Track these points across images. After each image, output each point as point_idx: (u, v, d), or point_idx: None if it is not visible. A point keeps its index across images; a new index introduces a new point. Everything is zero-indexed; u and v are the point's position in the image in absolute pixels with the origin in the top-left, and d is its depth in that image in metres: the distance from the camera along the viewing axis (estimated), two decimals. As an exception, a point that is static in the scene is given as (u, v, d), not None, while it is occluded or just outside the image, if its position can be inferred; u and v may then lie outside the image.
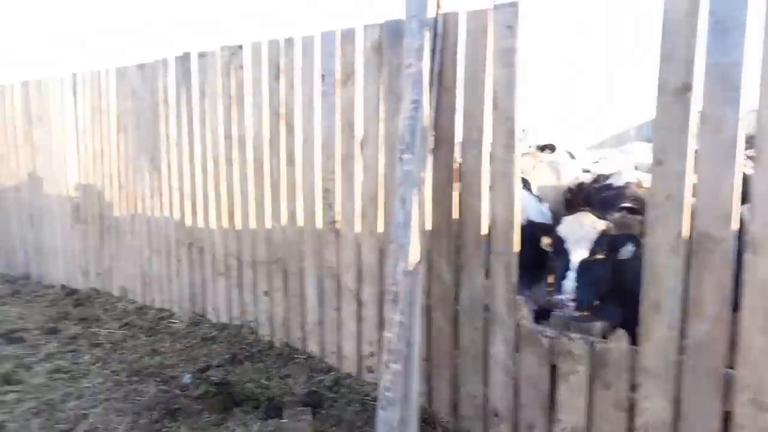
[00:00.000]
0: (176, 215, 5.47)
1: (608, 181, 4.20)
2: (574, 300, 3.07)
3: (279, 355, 4.50)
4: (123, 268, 6.35)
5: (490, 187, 3.17)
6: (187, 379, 4.20)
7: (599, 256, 3.20)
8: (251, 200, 4.66)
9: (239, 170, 4.73)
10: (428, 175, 3.38)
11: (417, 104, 3.23)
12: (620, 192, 3.90)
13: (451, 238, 3.39)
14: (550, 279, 4.14)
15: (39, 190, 7.34)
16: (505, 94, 3.03)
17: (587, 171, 5.32)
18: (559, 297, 3.10)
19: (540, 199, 4.84)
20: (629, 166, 5.16)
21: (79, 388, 4.27)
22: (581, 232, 3.21)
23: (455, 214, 3.36)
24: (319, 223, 4.14)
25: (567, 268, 3.18)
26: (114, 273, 6.48)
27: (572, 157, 6.67)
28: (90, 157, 6.53)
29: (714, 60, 2.41)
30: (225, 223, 4.95)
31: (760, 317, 2.39)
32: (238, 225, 4.82)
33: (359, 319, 3.97)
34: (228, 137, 4.78)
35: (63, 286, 7.05)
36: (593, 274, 3.18)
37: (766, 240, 2.35)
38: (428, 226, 3.46)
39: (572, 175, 5.33)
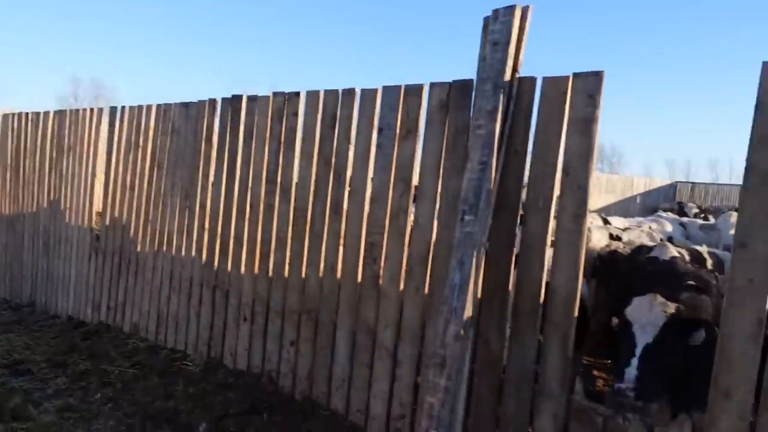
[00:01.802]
0: (204, 256, 5.38)
1: (653, 254, 4.14)
2: (634, 390, 2.88)
3: (300, 409, 4.32)
4: (137, 303, 6.20)
5: (554, 256, 3.11)
6: (203, 428, 4.02)
7: (668, 343, 3.03)
8: (288, 247, 4.59)
9: (279, 216, 4.67)
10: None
11: (485, 166, 3.22)
12: (671, 267, 3.82)
13: (504, 304, 3.30)
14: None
15: (59, 217, 7.26)
16: (580, 162, 3.01)
17: (617, 238, 5.28)
18: (620, 385, 2.91)
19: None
20: (664, 237, 5.11)
21: (91, 430, 4.08)
22: (650, 316, 3.08)
23: (511, 281, 3.28)
24: (360, 276, 4.06)
25: (632, 355, 3.02)
26: (127, 308, 6.33)
27: (606, 222, 6.63)
28: (118, 190, 6.48)
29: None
30: (256, 269, 4.85)
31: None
32: (271, 272, 4.73)
33: (393, 379, 3.83)
34: (271, 182, 4.74)
35: (70, 318, 6.88)
36: (659, 363, 3.00)
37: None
38: (480, 288, 3.38)
39: (601, 241, 5.29)
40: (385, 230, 3.91)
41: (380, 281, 3.93)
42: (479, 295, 3.35)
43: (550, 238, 3.15)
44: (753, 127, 2.55)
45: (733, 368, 2.54)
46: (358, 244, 4.07)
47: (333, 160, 4.29)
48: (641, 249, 4.34)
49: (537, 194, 3.18)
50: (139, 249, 6.23)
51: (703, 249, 4.58)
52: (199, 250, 5.45)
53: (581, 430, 2.97)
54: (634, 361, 2.98)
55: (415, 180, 3.80)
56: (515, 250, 3.29)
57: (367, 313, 4.01)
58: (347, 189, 4.18)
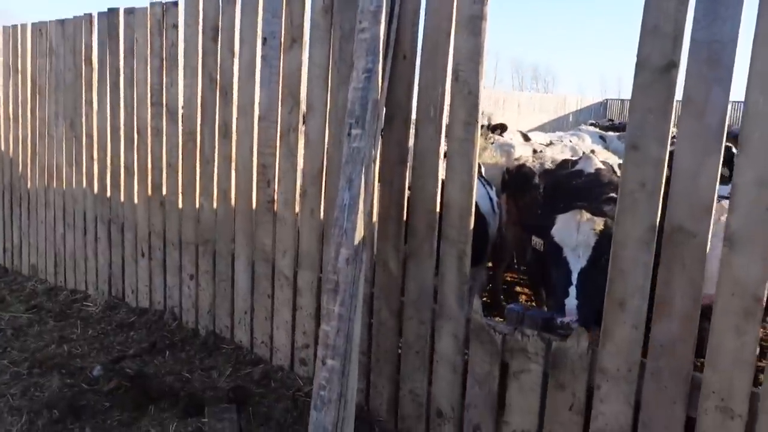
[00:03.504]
0: (96, 189, 4.97)
1: (578, 167, 4.00)
2: (577, 321, 2.64)
3: (204, 344, 4.11)
4: (33, 243, 5.78)
5: (446, 169, 2.90)
6: (97, 371, 3.76)
7: (600, 262, 2.74)
8: (179, 175, 4.24)
9: (167, 141, 4.29)
10: (378, 154, 3.08)
11: (370, 73, 2.92)
12: (596, 179, 3.67)
13: (400, 224, 3.10)
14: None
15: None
16: (469, 65, 2.76)
17: (540, 153, 5.15)
18: (562, 319, 2.66)
19: (488, 183, 4.63)
20: (587, 150, 5.01)
21: (-33, 381, 3.77)
22: (581, 236, 2.84)
23: (406, 197, 3.07)
24: (255, 202, 3.78)
25: (568, 282, 2.78)
26: (24, 249, 5.90)
27: (526, 139, 6.53)
28: (1, 120, 5.91)
29: (703, 36, 2.21)
30: (149, 200, 4.50)
31: (732, 318, 2.21)
32: (164, 202, 4.39)
33: (294, 308, 3.64)
34: (157, 103, 4.33)
35: (-35, 263, 6.41)
36: (594, 286, 2.67)
37: (745, 235, 2.16)
38: (376, 209, 3.16)
39: (525, 157, 5.15)
40: (277, 150, 3.61)
41: (275, 205, 3.66)
42: (374, 216, 3.13)
43: (442, 150, 2.92)
44: (643, 19, 2.33)
45: (627, 277, 2.42)
46: (250, 168, 3.76)
47: (218, 76, 3.90)
48: (566, 163, 4.19)
49: (428, 102, 2.92)
50: (29, 185, 5.76)
51: (614, 159, 4.48)
52: (90, 183, 5.03)
53: (481, 349, 2.85)
54: (572, 290, 2.75)
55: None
56: (409, 165, 3.07)
57: (264, 241, 3.76)
58: (235, 107, 3.83)
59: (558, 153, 5.27)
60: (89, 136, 4.95)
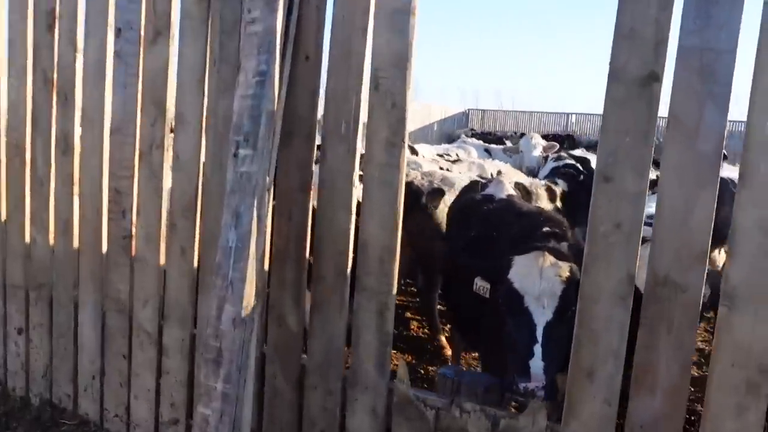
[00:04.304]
0: None
1: (489, 191, 3.55)
2: (544, 387, 2.16)
3: (37, 419, 3.18)
4: None
5: (363, 199, 2.29)
6: None
7: (565, 314, 2.29)
8: (2, 199, 3.30)
9: (-13, 157, 3.34)
10: (272, 179, 2.43)
11: (263, 77, 2.26)
12: (523, 210, 3.21)
13: (301, 267, 2.45)
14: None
15: None
16: (392, 71, 2.18)
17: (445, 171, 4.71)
18: (526, 385, 2.16)
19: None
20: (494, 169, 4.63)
21: None
22: (545, 283, 2.32)
23: (309, 233, 2.43)
24: (106, 236, 2.95)
25: (532, 339, 2.27)
26: None
27: (414, 152, 6.10)
28: None
29: (692, 42, 1.78)
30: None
31: (731, 394, 1.79)
32: (-18, 233, 3.41)
33: (159, 372, 2.85)
34: (-29, 109, 3.36)
35: None
36: (560, 341, 2.24)
37: (748, 290, 1.75)
38: (268, 248, 2.50)
39: (411, 175, 4.68)
40: (135, 172, 2.82)
41: (133, 242, 2.86)
42: (267, 260, 2.46)
43: (357, 175, 2.32)
44: (617, 20, 1.88)
45: (598, 339, 1.94)
46: (99, 193, 2.93)
47: (55, 75, 3.03)
48: (474, 186, 3.73)
49: (337, 116, 2.31)
50: None
51: (527, 180, 4.11)
52: None
53: (408, 428, 2.26)
54: (537, 349, 2.24)
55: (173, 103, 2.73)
56: (313, 193, 2.43)
57: (119, 286, 2.93)
58: (77, 116, 2.98)
59: (465, 170, 4.84)
60: None
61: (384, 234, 2.25)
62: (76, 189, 3.02)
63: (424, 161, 4.73)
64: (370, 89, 2.24)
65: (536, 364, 2.20)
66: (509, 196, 3.56)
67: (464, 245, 3.29)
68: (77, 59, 2.95)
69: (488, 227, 3.20)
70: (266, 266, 2.47)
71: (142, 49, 2.75)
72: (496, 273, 2.47)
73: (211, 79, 2.57)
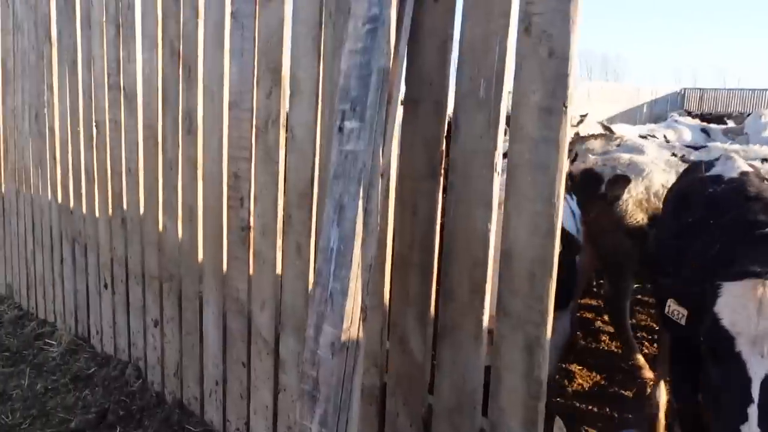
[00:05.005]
0: (60, 197, 3.93)
1: (715, 171, 2.68)
2: None
3: (166, 420, 2.97)
4: (8, 259, 4.83)
5: (507, 189, 1.63)
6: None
7: None
8: (140, 183, 3.12)
9: (126, 137, 3.18)
10: (394, 162, 1.86)
11: (375, 24, 1.69)
12: (743, 189, 2.35)
13: (428, 277, 1.86)
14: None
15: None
16: (554, 16, 1.48)
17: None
18: None
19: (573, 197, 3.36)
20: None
21: None
22: (764, 323, 1.59)
23: (437, 235, 1.83)
24: (225, 227, 2.60)
25: (746, 397, 1.59)
26: (-1, 265, 4.97)
27: (609, 130, 5.30)
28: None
29: None
30: (110, 214, 3.40)
31: None
32: (126, 219, 3.27)
33: (276, 387, 2.44)
34: (114, 86, 3.22)
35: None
36: None
37: None
38: (389, 252, 1.94)
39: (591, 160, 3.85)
40: (252, 153, 2.41)
41: (251, 235, 2.47)
42: (388, 265, 1.91)
43: (500, 156, 1.66)
44: None
45: None
46: (220, 177, 2.58)
47: (180, 45, 2.74)
48: (698, 165, 2.88)
49: (475, 73, 1.66)
50: (3, 189, 4.80)
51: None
52: (54, 190, 3.99)
53: None
54: (752, 411, 1.56)
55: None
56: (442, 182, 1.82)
57: (238, 284, 2.57)
58: (200, 90, 2.66)
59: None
60: (51, 131, 3.90)
61: (535, 240, 1.56)
62: (199, 172, 2.71)
63: (652, 147, 3.85)
64: (518, 32, 1.56)
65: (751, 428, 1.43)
66: (742, 174, 2.63)
67: (669, 244, 2.48)
68: (198, 26, 2.62)
69: (708, 216, 2.35)
70: (387, 274, 1.93)
71: (257, 8, 2.31)
72: (696, 297, 1.68)
73: (326, 36, 2.06)
